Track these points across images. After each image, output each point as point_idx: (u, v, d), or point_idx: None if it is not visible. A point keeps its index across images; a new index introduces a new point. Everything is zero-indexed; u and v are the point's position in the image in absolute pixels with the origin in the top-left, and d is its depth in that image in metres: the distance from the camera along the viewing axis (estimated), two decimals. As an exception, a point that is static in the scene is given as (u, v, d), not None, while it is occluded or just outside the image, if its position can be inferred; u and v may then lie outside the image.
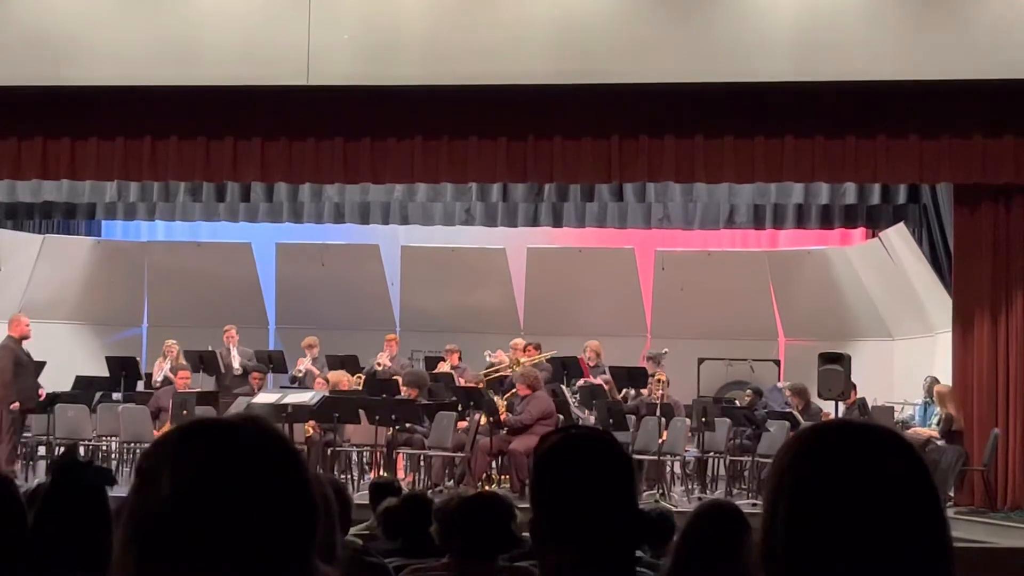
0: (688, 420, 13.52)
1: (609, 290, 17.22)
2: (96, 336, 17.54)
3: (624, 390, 14.54)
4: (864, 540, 1.50)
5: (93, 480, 3.25)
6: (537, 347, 15.17)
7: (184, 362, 15.45)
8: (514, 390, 13.34)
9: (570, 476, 2.32)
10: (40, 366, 14.49)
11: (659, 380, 13.99)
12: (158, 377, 15.58)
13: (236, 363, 15.79)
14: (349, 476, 13.40)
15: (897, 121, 11.94)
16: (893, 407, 14.54)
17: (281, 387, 15.51)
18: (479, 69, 11.81)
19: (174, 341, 16.01)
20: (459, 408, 13.36)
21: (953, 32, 11.47)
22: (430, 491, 11.72)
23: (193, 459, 1.48)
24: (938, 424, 12.55)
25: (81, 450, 13.56)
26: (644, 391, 14.27)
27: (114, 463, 13.80)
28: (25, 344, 13.63)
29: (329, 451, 13.40)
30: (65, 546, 3.05)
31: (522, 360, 14.61)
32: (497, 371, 14.78)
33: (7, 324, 13.61)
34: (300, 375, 15.79)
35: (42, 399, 13.75)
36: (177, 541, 1.44)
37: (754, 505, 11.33)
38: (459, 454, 13.05)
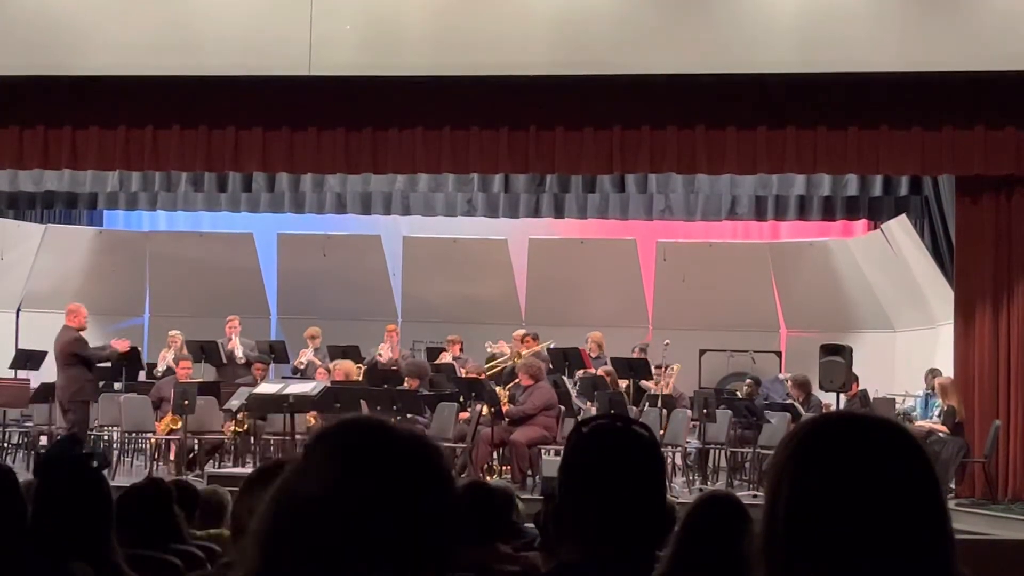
0: (689, 411, 13.52)
1: (611, 281, 17.22)
2: (98, 326, 17.49)
3: (643, 381, 14.48)
4: (866, 531, 1.50)
5: (86, 471, 3.26)
6: (535, 337, 15.15)
7: (185, 352, 15.45)
8: (516, 380, 13.34)
9: (602, 464, 2.29)
10: (41, 356, 14.52)
11: (674, 370, 14.11)
12: (161, 367, 15.59)
13: (239, 353, 15.78)
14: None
15: (899, 113, 11.93)
16: (894, 399, 14.54)
17: (283, 377, 15.51)
18: (481, 59, 11.80)
19: (177, 331, 16.01)
20: (460, 399, 13.37)
21: (955, 24, 11.46)
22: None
23: (361, 460, 1.48)
24: (939, 416, 12.55)
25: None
26: (657, 384, 14.21)
27: (115, 453, 13.80)
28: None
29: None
30: (65, 534, 3.06)
31: (523, 352, 14.60)
32: (500, 362, 14.75)
33: (65, 315, 13.50)
34: (302, 367, 15.79)
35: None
36: (315, 533, 1.44)
37: (755, 496, 11.33)
38: (461, 445, 13.06)
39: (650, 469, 2.32)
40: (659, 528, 2.34)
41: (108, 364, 14.89)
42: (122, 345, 13.54)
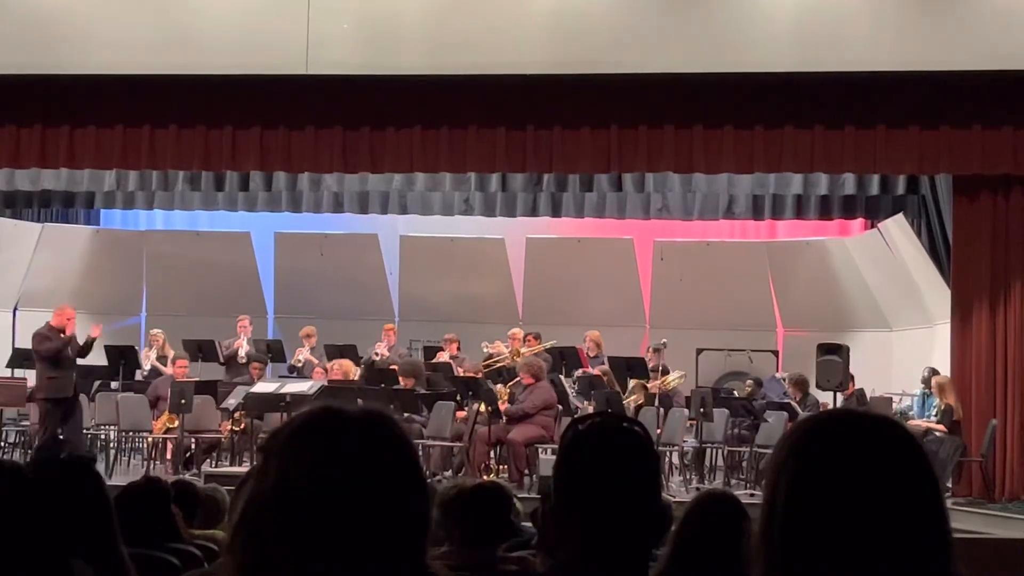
0: (686, 410, 13.52)
1: (608, 280, 17.21)
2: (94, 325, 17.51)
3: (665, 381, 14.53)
4: (863, 530, 1.50)
5: (78, 470, 3.26)
6: (537, 337, 15.15)
7: (171, 351, 15.45)
8: (517, 379, 13.33)
9: (598, 464, 2.28)
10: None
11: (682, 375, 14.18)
12: (145, 366, 15.58)
13: (242, 352, 15.77)
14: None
15: (896, 112, 11.94)
16: (891, 398, 14.54)
17: (280, 376, 15.51)
18: (478, 58, 11.80)
19: (159, 330, 16.04)
20: (458, 398, 13.36)
21: (952, 23, 11.47)
22: (429, 481, 11.69)
23: (307, 449, 1.47)
24: (936, 415, 12.55)
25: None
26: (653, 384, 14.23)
27: (112, 452, 13.79)
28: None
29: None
30: (65, 532, 3.06)
31: (522, 351, 14.59)
32: (497, 362, 14.74)
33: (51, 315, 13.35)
34: (299, 365, 15.80)
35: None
36: (282, 529, 1.43)
37: (752, 495, 11.34)
38: (458, 444, 13.05)
39: (645, 467, 2.32)
40: (655, 526, 2.34)
41: (105, 363, 14.89)
42: (93, 332, 13.40)
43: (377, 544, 1.44)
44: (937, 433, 12.30)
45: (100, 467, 12.76)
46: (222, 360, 15.80)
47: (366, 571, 1.43)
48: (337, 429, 1.49)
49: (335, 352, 15.51)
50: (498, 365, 14.65)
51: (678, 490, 12.68)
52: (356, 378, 14.49)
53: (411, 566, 1.47)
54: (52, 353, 12.85)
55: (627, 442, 2.31)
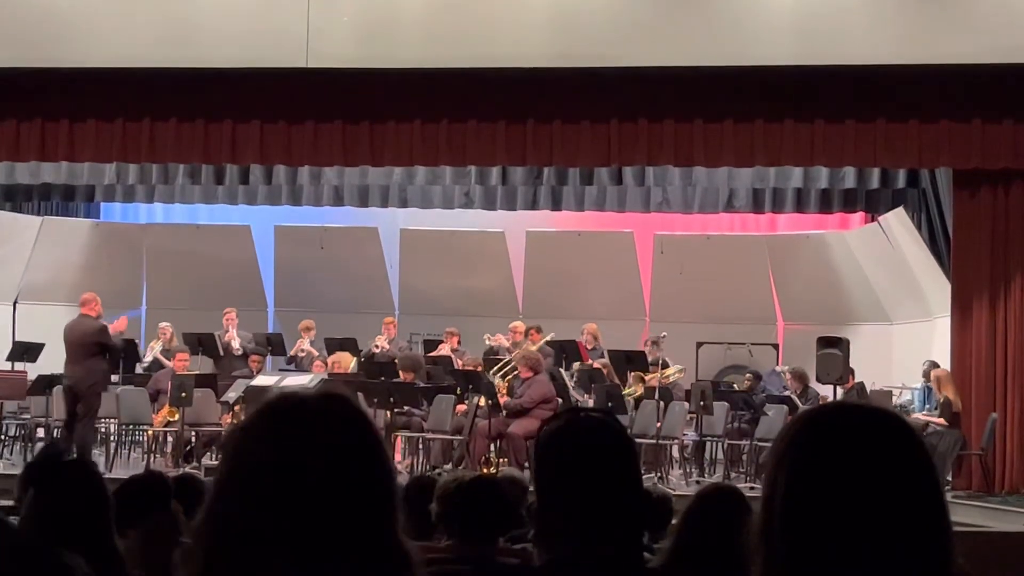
0: (686, 404, 13.52)
1: (608, 274, 17.21)
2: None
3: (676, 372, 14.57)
4: (863, 522, 1.50)
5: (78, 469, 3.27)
6: (539, 331, 15.11)
7: (178, 344, 15.43)
8: (516, 372, 13.32)
9: (573, 459, 2.30)
10: (38, 348, 14.52)
11: (681, 369, 14.21)
12: (148, 358, 15.56)
13: (236, 345, 15.77)
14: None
15: (896, 105, 11.93)
16: (891, 391, 14.55)
17: (280, 370, 15.50)
18: (478, 52, 11.79)
19: (167, 324, 16.01)
20: (458, 391, 13.36)
21: (953, 17, 11.46)
22: (430, 473, 11.70)
23: (278, 434, 1.48)
24: (937, 409, 12.55)
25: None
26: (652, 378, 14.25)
27: (112, 446, 13.79)
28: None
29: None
30: (60, 525, 3.06)
31: (527, 346, 14.53)
32: (503, 360, 14.59)
33: (80, 304, 13.21)
34: (302, 355, 15.79)
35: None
36: (244, 517, 1.43)
37: (752, 489, 11.33)
38: (458, 437, 13.05)
39: (618, 459, 2.33)
40: (638, 516, 2.34)
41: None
42: (120, 324, 13.39)
43: (343, 523, 1.44)
44: (936, 426, 12.30)
45: (100, 460, 12.80)
46: (222, 352, 15.80)
47: (336, 550, 1.44)
48: (292, 414, 1.50)
49: (335, 345, 15.49)
50: (504, 362, 14.41)
51: (678, 483, 12.68)
52: (351, 371, 14.46)
53: (380, 542, 1.48)
54: (115, 346, 12.84)
55: (597, 436, 2.33)
